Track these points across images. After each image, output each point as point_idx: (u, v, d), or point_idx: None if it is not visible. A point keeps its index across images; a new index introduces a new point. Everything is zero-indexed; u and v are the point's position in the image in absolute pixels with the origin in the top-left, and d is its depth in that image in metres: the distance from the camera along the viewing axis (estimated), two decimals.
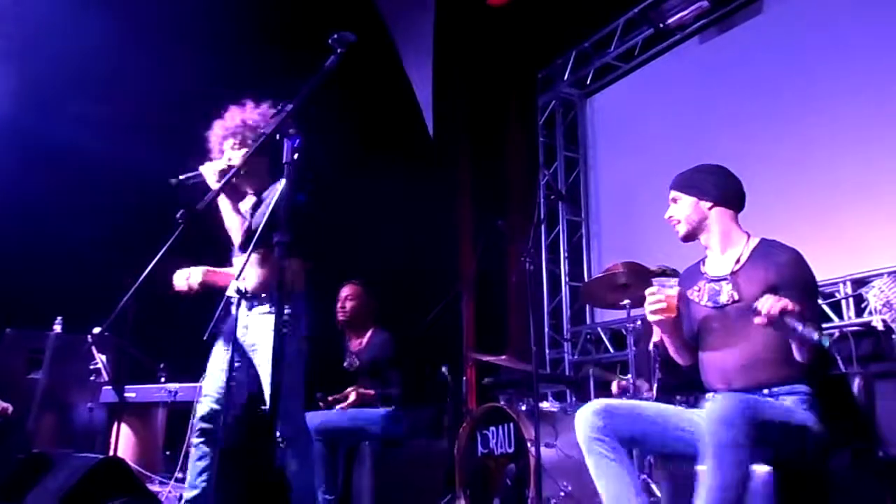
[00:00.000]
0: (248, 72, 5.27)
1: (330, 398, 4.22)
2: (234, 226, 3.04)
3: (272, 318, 2.99)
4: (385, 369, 4.24)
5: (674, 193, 2.61)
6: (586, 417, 2.33)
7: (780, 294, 2.30)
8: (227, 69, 5.26)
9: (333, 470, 4.07)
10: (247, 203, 3.21)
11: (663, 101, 6.04)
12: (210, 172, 3.00)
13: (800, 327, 2.08)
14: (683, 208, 2.56)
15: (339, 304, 4.41)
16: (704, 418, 2.09)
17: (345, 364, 4.43)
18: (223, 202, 3.04)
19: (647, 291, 2.43)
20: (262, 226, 2.87)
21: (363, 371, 4.33)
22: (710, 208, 2.53)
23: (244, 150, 3.07)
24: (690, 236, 2.58)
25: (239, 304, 2.93)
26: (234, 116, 3.13)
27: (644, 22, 5.96)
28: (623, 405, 2.44)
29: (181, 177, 3.02)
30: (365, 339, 4.39)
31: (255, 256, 3.01)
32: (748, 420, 2.03)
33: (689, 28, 5.74)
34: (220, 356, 3.07)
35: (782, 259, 2.36)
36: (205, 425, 2.98)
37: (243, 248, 3.02)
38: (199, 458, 2.96)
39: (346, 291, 4.43)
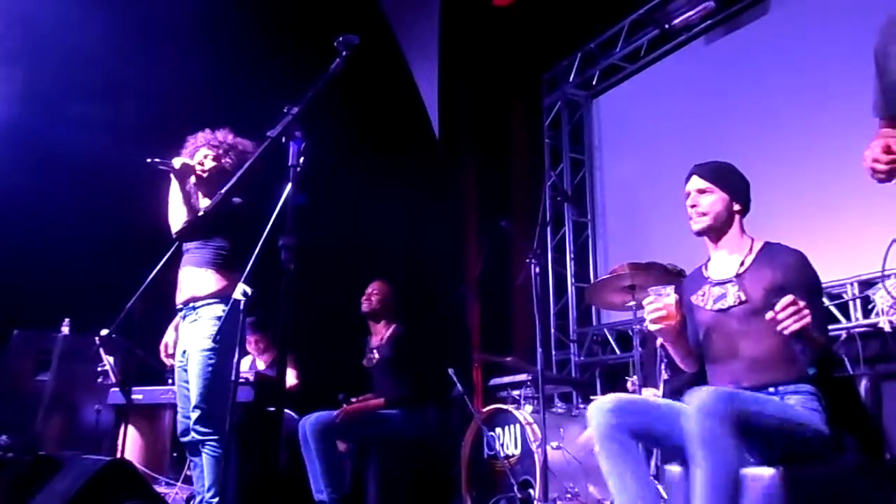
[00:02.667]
0: (253, 74, 5.29)
1: (353, 400, 4.24)
2: (178, 212, 3.15)
3: (200, 325, 3.09)
4: (401, 365, 4.25)
5: (704, 183, 2.50)
6: (600, 412, 2.28)
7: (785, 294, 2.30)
8: (231, 71, 5.28)
9: (340, 470, 4.07)
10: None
11: (669, 101, 6.02)
12: (178, 164, 3.17)
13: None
14: (716, 203, 2.48)
15: (364, 297, 4.50)
16: (685, 411, 2.06)
17: (363, 361, 4.49)
18: (174, 188, 3.18)
19: (644, 301, 2.41)
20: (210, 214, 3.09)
21: (380, 367, 4.36)
22: (736, 211, 2.50)
23: (215, 164, 3.27)
24: (709, 233, 2.51)
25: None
26: (225, 135, 3.34)
27: (650, 23, 5.94)
28: (637, 400, 2.42)
29: (156, 160, 3.13)
30: (385, 336, 4.43)
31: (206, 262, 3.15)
32: (728, 411, 2.00)
33: (695, 29, 5.73)
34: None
35: (788, 260, 2.36)
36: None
37: (179, 236, 3.16)
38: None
39: (373, 286, 4.53)
